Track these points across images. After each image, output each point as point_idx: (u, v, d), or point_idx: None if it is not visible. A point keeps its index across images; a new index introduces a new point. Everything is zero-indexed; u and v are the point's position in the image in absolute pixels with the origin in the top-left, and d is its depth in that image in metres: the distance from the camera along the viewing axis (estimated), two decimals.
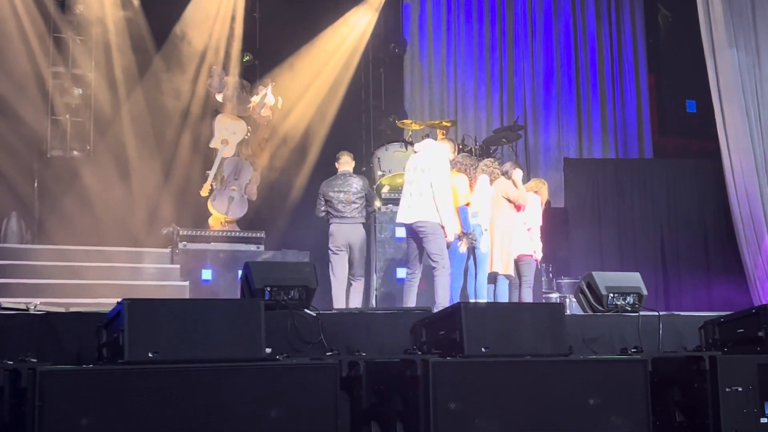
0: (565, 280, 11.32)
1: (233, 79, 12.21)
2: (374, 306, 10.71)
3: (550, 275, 11.48)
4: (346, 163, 9.83)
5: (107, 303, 8.91)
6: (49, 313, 4.98)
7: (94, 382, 4.01)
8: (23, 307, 5.09)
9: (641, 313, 6.30)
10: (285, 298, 5.40)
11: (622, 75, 15.22)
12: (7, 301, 5.84)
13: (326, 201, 9.52)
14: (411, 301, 8.48)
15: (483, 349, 4.74)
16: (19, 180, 11.34)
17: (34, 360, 4.12)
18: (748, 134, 12.09)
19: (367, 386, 4.94)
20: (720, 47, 12.24)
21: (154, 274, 10.65)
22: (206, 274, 10.70)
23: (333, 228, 9.44)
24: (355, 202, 9.42)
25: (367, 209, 9.67)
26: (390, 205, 11.12)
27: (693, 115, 14.42)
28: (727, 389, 5.05)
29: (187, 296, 10.20)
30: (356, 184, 9.57)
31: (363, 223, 9.60)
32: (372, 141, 13.54)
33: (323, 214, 9.60)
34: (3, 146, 11.23)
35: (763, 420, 5.12)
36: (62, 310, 5.17)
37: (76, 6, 11.91)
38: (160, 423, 4.01)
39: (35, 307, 5.08)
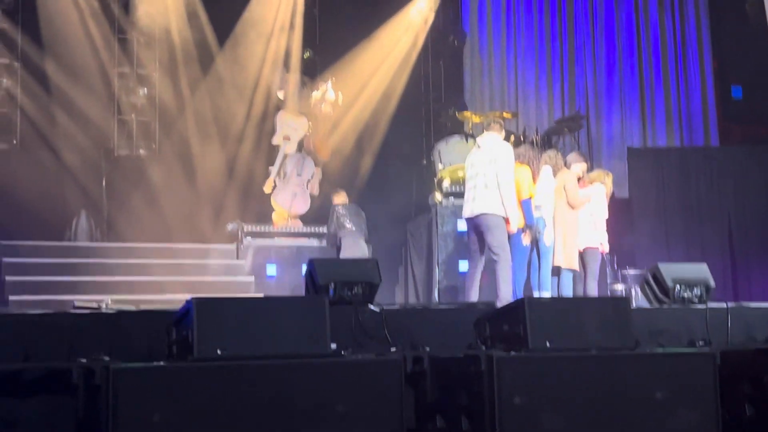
0: (631, 271, 11.16)
1: (294, 75, 12.31)
2: (437, 299, 10.74)
3: (615, 266, 11.35)
4: None
5: (175, 299, 9.13)
6: (120, 312, 5.08)
7: (165, 379, 4.06)
8: (95, 306, 5.19)
9: (709, 305, 6.19)
10: (349, 294, 5.41)
11: (686, 62, 14.94)
12: (80, 299, 5.98)
13: None
14: (473, 295, 8.46)
15: (547, 344, 4.71)
16: (87, 179, 11.59)
17: (107, 358, 4.19)
18: None
19: (432, 381, 4.94)
20: None
21: (220, 269, 10.80)
22: (271, 270, 10.81)
23: None
24: None
25: None
26: (451, 198, 11.13)
27: (759, 100, 14.08)
28: None
29: (252, 292, 10.35)
30: None
31: None
32: (432, 134, 13.52)
33: None
34: (72, 146, 11.51)
35: None
36: (132, 308, 5.26)
37: (140, 7, 12.10)
38: (229, 418, 4.05)
39: (107, 305, 5.19)
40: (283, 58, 12.48)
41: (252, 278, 10.64)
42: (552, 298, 7.67)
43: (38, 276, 9.80)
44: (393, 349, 4.81)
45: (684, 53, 14.97)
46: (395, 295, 12.09)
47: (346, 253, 9.89)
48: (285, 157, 11.76)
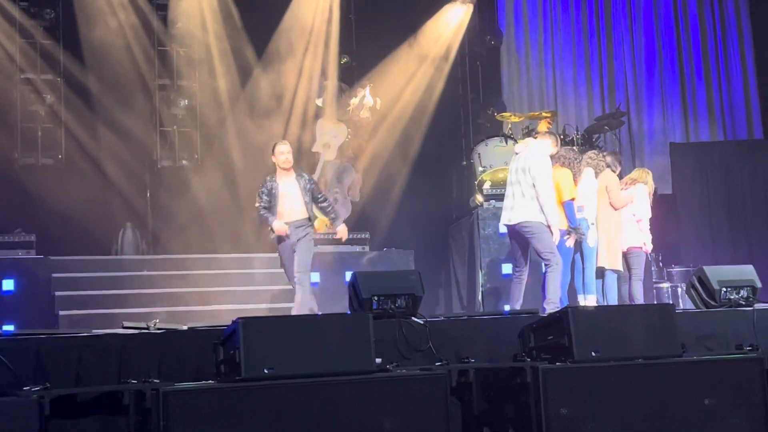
0: (676, 269, 11.12)
1: (332, 83, 12.35)
2: (480, 303, 10.73)
3: (660, 264, 11.29)
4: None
5: (221, 309, 9.23)
6: (168, 331, 5.13)
7: (214, 400, 4.12)
8: (144, 326, 5.25)
9: (756, 306, 6.16)
10: (392, 306, 5.41)
11: (727, 54, 14.83)
12: (129, 319, 6.06)
13: None
14: (518, 298, 8.46)
15: (593, 353, 4.73)
16: (132, 191, 11.68)
17: (157, 381, 4.26)
18: None
19: (478, 393, 4.97)
20: None
21: (264, 279, 10.80)
22: (314, 277, 10.81)
23: None
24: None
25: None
26: (492, 201, 11.09)
27: None
28: None
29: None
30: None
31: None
32: (471, 135, 13.51)
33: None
34: (115, 159, 11.61)
35: None
36: (182, 327, 5.31)
37: (179, 19, 12.21)
38: None
39: (155, 325, 5.24)
40: (320, 65, 12.49)
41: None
42: (596, 307, 7.61)
43: (87, 290, 9.88)
44: (438, 363, 4.82)
45: (725, 46, 14.86)
46: (439, 298, 12.10)
47: None
48: (325, 164, 11.81)
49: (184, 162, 12.16)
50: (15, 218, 10.37)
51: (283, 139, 9.43)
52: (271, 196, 8.68)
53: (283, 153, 8.73)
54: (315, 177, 11.73)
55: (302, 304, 8.46)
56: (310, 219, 8.79)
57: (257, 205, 8.78)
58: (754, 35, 14.83)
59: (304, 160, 12.07)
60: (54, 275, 9.78)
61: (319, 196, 9.04)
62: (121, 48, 11.85)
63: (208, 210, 11.60)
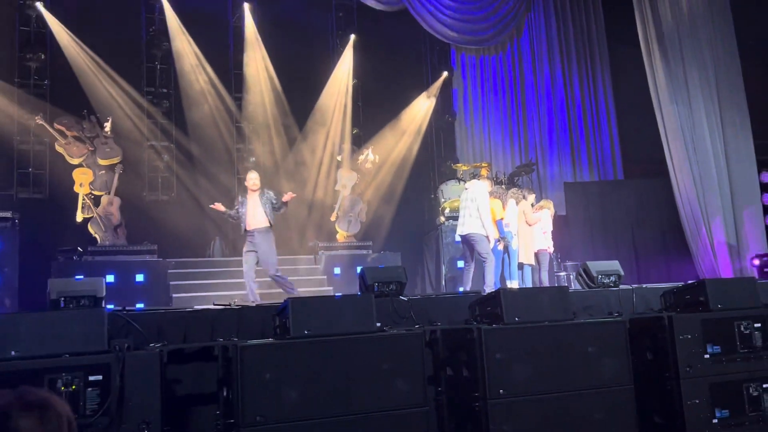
0: (569, 263, 11.13)
1: (347, 145, 12.41)
2: (444, 287, 10.73)
3: (559, 260, 11.31)
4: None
5: (276, 293, 9.21)
6: (243, 307, 5.12)
7: (272, 351, 4.08)
8: (227, 304, 5.24)
9: (620, 287, 6.17)
10: (386, 289, 5.40)
11: (600, 121, 14.74)
12: (218, 298, 6.06)
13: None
14: (467, 283, 8.49)
15: (516, 318, 4.71)
16: (218, 217, 11.61)
17: (236, 339, 4.25)
18: (687, 161, 11.72)
19: (443, 345, 4.95)
20: (664, 103, 11.93)
21: (305, 271, 10.83)
22: (336, 270, 10.87)
23: None
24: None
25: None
26: (450, 220, 11.13)
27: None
28: (680, 337, 4.92)
29: (325, 286, 10.38)
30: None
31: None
32: (437, 177, 13.55)
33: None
34: (208, 196, 11.56)
35: (706, 356, 4.96)
36: (251, 304, 5.29)
37: (248, 106, 12.29)
38: (313, 374, 4.06)
39: (234, 303, 5.23)
40: (339, 134, 12.56)
41: (325, 277, 10.69)
42: (519, 289, 7.62)
43: (190, 281, 9.90)
44: (417, 326, 4.81)
45: (598, 115, 14.83)
46: (417, 284, 12.11)
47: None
48: (343, 198, 11.84)
49: None
50: (144, 234, 10.37)
51: (253, 171, 8.57)
52: (243, 207, 8.11)
53: (251, 179, 8.16)
54: (337, 206, 11.76)
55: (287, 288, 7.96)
56: (271, 226, 8.06)
57: (230, 212, 8.18)
58: (616, 106, 14.84)
59: (330, 195, 12.12)
60: (169, 271, 9.81)
61: (276, 204, 8.10)
62: (212, 125, 11.94)
63: None
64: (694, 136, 11.72)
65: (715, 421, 4.84)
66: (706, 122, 11.77)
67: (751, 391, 4.96)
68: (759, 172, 11.85)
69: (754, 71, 12.30)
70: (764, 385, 4.99)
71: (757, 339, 5.08)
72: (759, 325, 5.09)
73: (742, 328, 5.08)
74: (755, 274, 10.74)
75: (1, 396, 1.36)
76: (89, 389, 3.62)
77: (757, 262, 11.01)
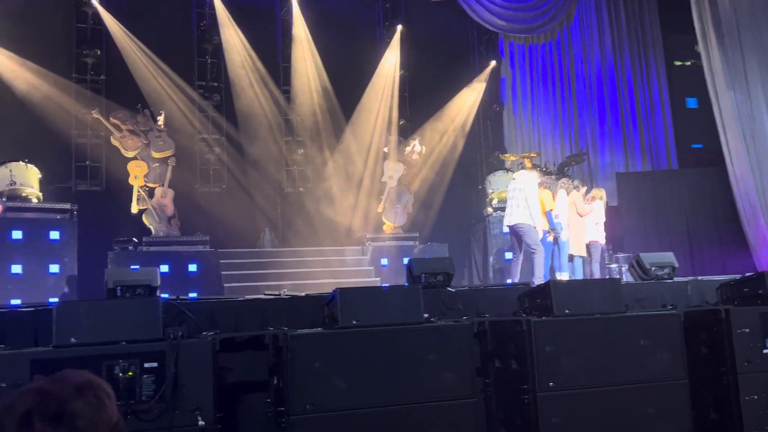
0: (621, 255, 10.87)
1: (394, 137, 12.39)
2: (491, 278, 10.64)
3: (611, 252, 11.07)
4: None
5: (325, 283, 9.32)
6: (293, 297, 5.14)
7: (322, 340, 4.09)
8: (278, 293, 5.28)
9: (675, 279, 6.00)
10: (434, 280, 5.36)
11: (653, 110, 14.41)
12: (268, 288, 6.12)
13: None
14: (515, 275, 8.39)
15: (566, 311, 4.62)
16: (268, 208, 11.86)
17: (286, 328, 4.26)
18: (744, 148, 11.29)
19: (491, 336, 4.88)
20: (720, 90, 11.52)
21: (353, 262, 10.87)
22: (384, 261, 10.89)
23: None
24: None
25: None
26: (498, 212, 11.01)
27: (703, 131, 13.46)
28: (738, 330, 4.75)
29: (372, 277, 10.41)
30: None
31: None
32: (485, 168, 13.42)
33: None
34: (258, 188, 11.83)
35: (765, 351, 4.78)
36: (301, 294, 5.32)
37: (296, 99, 12.38)
38: (361, 363, 4.06)
39: (284, 293, 5.27)
40: (386, 125, 12.54)
41: (372, 267, 10.72)
42: (569, 280, 7.49)
43: (241, 271, 9.99)
44: (464, 318, 4.77)
45: (651, 104, 14.46)
46: (464, 276, 12.04)
47: None
48: (390, 189, 11.83)
49: (301, 189, 12.29)
50: (196, 226, 10.57)
51: None
52: None
53: None
54: (384, 197, 11.78)
55: None
56: None
57: None
58: (670, 96, 14.43)
59: (377, 186, 12.15)
60: (221, 261, 9.94)
61: None
62: (262, 117, 12.08)
63: (317, 219, 11.71)
64: (752, 123, 11.28)
65: None
66: (766, 109, 11.31)
67: None
68: None
69: None
70: None
71: None
72: None
73: None
74: None
75: (45, 383, 1.37)
76: (145, 376, 3.71)
77: None
